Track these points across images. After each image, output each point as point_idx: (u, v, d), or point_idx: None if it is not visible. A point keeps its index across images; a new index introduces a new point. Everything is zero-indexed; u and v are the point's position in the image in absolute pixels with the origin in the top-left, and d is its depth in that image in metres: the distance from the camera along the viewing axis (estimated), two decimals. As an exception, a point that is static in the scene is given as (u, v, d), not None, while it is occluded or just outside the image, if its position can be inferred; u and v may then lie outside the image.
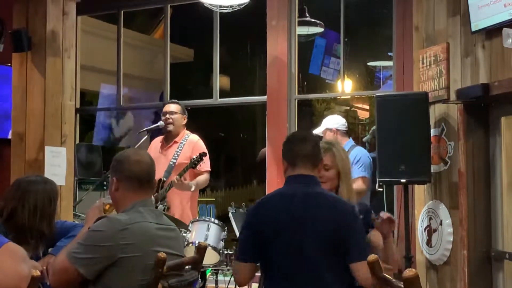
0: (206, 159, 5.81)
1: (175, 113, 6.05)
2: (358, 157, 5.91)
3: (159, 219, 3.13)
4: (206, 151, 5.86)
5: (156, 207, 5.64)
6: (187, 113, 6.17)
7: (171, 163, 5.94)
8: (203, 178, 5.92)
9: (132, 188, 3.12)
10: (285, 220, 3.24)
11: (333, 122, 6.18)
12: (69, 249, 3.02)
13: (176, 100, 6.25)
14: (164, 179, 5.88)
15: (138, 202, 3.09)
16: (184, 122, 6.12)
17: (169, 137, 6.10)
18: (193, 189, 5.79)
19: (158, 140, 6.23)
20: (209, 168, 5.95)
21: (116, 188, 3.15)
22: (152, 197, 3.46)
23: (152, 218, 3.07)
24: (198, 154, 5.66)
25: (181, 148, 5.97)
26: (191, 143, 6.00)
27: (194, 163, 5.64)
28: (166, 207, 5.81)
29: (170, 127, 6.03)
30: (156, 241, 3.01)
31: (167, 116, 6.04)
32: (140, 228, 2.98)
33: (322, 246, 3.18)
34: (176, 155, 5.95)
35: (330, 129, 6.11)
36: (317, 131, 6.11)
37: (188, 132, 6.12)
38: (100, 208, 3.36)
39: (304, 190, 3.29)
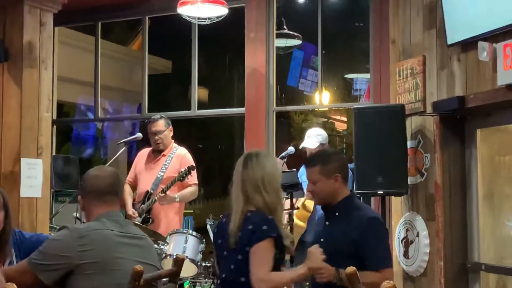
0: (194, 173, 5.83)
1: (163, 131, 6.04)
2: None
3: (124, 228, 3.15)
4: (194, 164, 5.88)
5: (145, 218, 5.71)
6: (171, 123, 6.16)
7: (158, 175, 5.96)
8: (190, 190, 5.94)
9: (93, 202, 3.19)
10: None
11: (324, 136, 6.12)
12: (31, 256, 3.07)
13: (159, 115, 6.17)
14: (151, 191, 5.91)
15: (101, 214, 3.15)
16: (171, 134, 6.13)
17: (157, 150, 6.10)
18: (177, 200, 5.82)
19: (146, 152, 6.22)
20: (196, 181, 5.98)
21: (82, 206, 3.26)
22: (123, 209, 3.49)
23: (114, 226, 3.10)
24: (186, 168, 5.70)
25: (169, 161, 5.99)
26: (179, 157, 6.02)
27: (182, 176, 5.69)
28: (151, 220, 5.83)
29: (161, 147, 6.04)
30: (116, 248, 3.04)
31: (156, 138, 6.02)
32: (99, 235, 3.03)
33: None
34: (164, 168, 5.97)
35: (323, 144, 6.07)
36: (310, 145, 6.01)
37: (175, 144, 6.13)
38: None
39: None
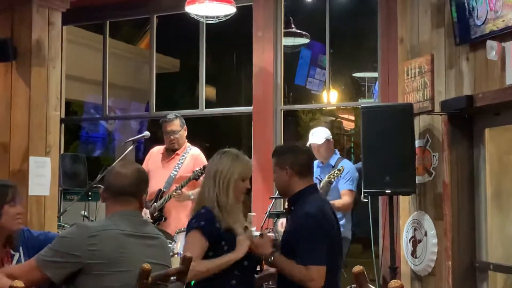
0: None
1: (178, 131, 6.06)
2: (347, 170, 5.91)
3: (138, 228, 3.14)
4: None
5: (156, 216, 5.73)
6: (185, 123, 6.18)
7: (172, 174, 5.99)
8: None
9: (110, 199, 3.20)
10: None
11: (329, 133, 6.18)
12: (39, 252, 3.07)
13: (174, 115, 6.18)
14: (164, 189, 5.95)
15: (115, 212, 3.15)
16: (186, 133, 6.16)
17: (171, 149, 6.13)
18: (192, 198, 5.86)
19: (159, 150, 6.24)
20: None
21: (102, 199, 3.25)
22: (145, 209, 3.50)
23: (126, 226, 3.08)
24: (202, 167, 5.72)
25: (182, 161, 6.03)
26: (193, 157, 6.06)
27: (197, 175, 5.71)
28: (164, 218, 5.85)
29: (176, 146, 6.08)
30: (125, 248, 3.02)
31: (171, 138, 6.05)
32: (108, 235, 3.01)
33: None
34: (177, 167, 6.00)
35: (329, 140, 6.12)
36: (317, 141, 6.05)
37: (189, 144, 6.17)
38: None
39: None
